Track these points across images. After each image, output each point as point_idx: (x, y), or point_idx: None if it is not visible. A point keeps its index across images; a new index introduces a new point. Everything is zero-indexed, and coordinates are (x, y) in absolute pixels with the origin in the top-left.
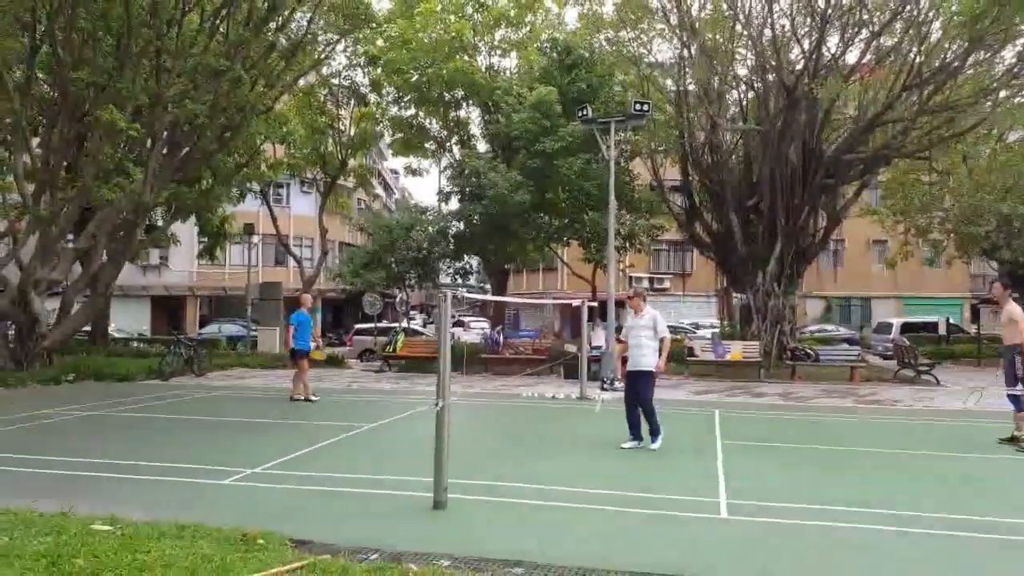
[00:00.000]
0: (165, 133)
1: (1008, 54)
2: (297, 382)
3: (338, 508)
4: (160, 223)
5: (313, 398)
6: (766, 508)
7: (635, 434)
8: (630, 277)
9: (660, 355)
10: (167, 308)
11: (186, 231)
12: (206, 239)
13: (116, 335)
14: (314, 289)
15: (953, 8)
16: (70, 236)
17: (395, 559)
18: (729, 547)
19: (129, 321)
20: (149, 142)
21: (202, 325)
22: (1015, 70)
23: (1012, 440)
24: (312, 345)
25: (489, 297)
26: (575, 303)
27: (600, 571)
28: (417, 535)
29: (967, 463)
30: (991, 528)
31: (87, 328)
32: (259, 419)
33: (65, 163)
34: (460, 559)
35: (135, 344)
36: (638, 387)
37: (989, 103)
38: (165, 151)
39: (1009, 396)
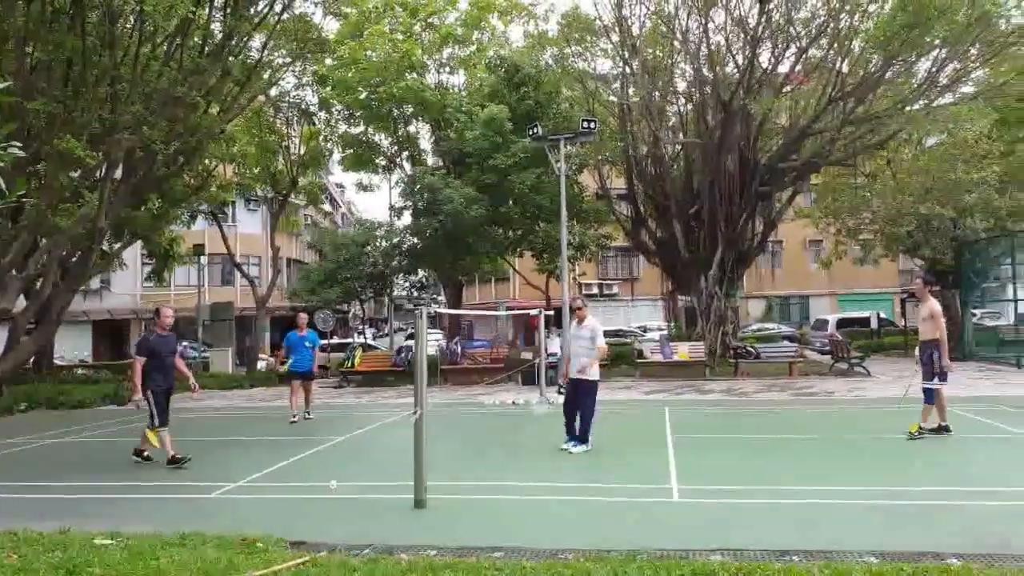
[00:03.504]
0: (119, 156)
1: (922, 67)
2: (305, 401)
3: (325, 512)
4: (106, 248)
5: (292, 419)
6: (711, 490)
7: (573, 435)
8: (580, 284)
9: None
10: (110, 332)
11: (129, 254)
12: (153, 261)
13: (59, 362)
14: (264, 309)
15: (869, 29)
16: None
17: (387, 552)
18: (679, 523)
19: (70, 348)
20: (104, 168)
21: None
22: (924, 85)
23: (920, 431)
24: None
25: (457, 311)
26: (533, 313)
27: (568, 550)
28: (403, 531)
29: (887, 444)
30: (900, 495)
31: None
32: (229, 437)
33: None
34: (445, 548)
35: (80, 371)
36: (578, 393)
37: (905, 113)
38: (119, 177)
39: (924, 389)
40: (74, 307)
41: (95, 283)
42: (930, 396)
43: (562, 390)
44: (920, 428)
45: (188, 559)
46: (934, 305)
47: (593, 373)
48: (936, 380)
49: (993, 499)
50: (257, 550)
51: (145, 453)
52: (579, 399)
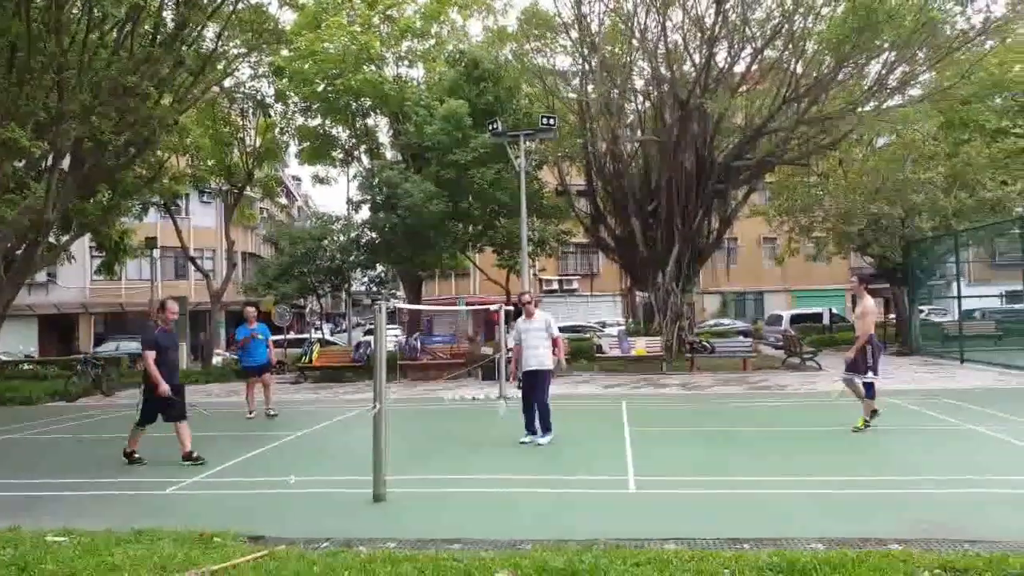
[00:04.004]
0: (67, 146)
1: (873, 69)
2: (265, 398)
3: (282, 507)
4: (53, 241)
5: (249, 415)
6: (666, 482)
7: (532, 429)
8: (540, 280)
9: (557, 352)
10: (57, 327)
11: (77, 246)
12: (103, 254)
13: (3, 358)
14: (219, 303)
15: (822, 31)
16: None
17: (346, 545)
18: (635, 513)
19: (13, 343)
20: (51, 158)
21: (98, 343)
22: (874, 87)
23: (866, 424)
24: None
25: (416, 307)
26: (493, 308)
27: (528, 541)
28: (362, 525)
29: (835, 436)
30: (847, 485)
31: None
32: None
33: None
34: (404, 541)
35: (25, 367)
36: (536, 385)
37: (856, 114)
38: (67, 167)
39: (864, 384)
40: (19, 301)
41: (41, 276)
42: (869, 390)
43: (520, 385)
44: (865, 421)
45: (143, 555)
46: (867, 303)
47: (549, 363)
48: (870, 374)
49: (933, 487)
50: (215, 545)
51: (136, 455)
52: (537, 389)
